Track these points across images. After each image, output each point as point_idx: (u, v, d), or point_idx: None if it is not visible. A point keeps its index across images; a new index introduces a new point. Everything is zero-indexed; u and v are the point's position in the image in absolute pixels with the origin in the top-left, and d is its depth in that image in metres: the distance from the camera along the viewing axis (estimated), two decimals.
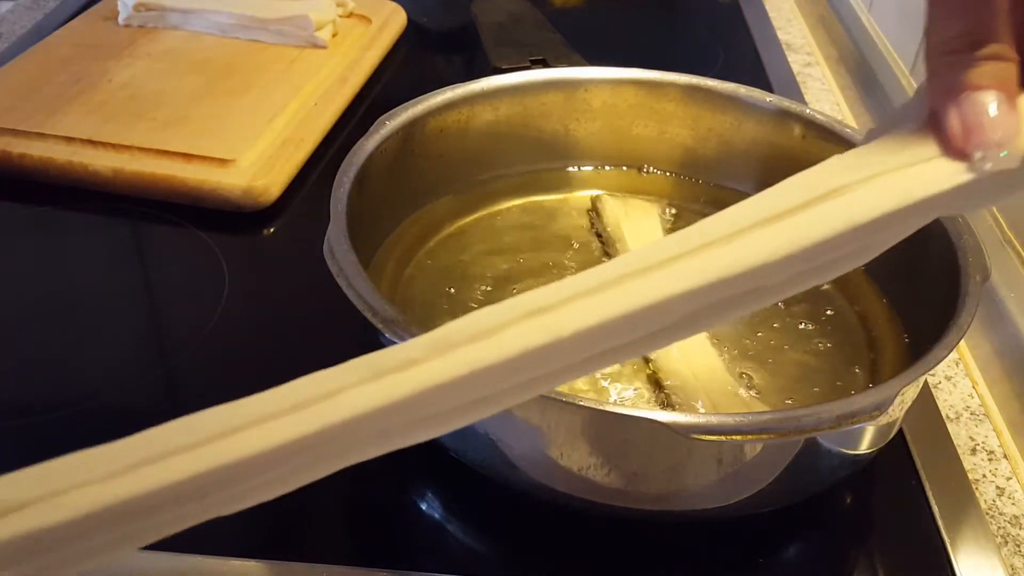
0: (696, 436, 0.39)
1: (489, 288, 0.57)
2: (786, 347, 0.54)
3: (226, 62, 0.86)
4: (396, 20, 0.98)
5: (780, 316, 0.57)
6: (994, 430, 0.59)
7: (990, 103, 0.31)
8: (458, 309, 0.55)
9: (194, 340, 0.58)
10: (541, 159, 0.67)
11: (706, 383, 0.51)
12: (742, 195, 0.69)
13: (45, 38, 0.87)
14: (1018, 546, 0.51)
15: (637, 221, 0.63)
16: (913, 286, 0.56)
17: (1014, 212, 0.67)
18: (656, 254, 0.30)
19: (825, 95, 0.97)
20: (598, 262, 0.33)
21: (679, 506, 0.44)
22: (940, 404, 0.60)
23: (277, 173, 0.71)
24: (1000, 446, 0.58)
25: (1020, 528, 0.52)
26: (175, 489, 0.26)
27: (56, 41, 0.87)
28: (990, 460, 0.57)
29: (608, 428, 0.41)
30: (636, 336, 0.30)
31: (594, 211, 0.65)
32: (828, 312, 0.57)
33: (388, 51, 0.94)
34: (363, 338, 0.49)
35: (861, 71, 1.00)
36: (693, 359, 0.52)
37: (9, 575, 0.25)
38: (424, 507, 0.50)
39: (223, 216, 0.69)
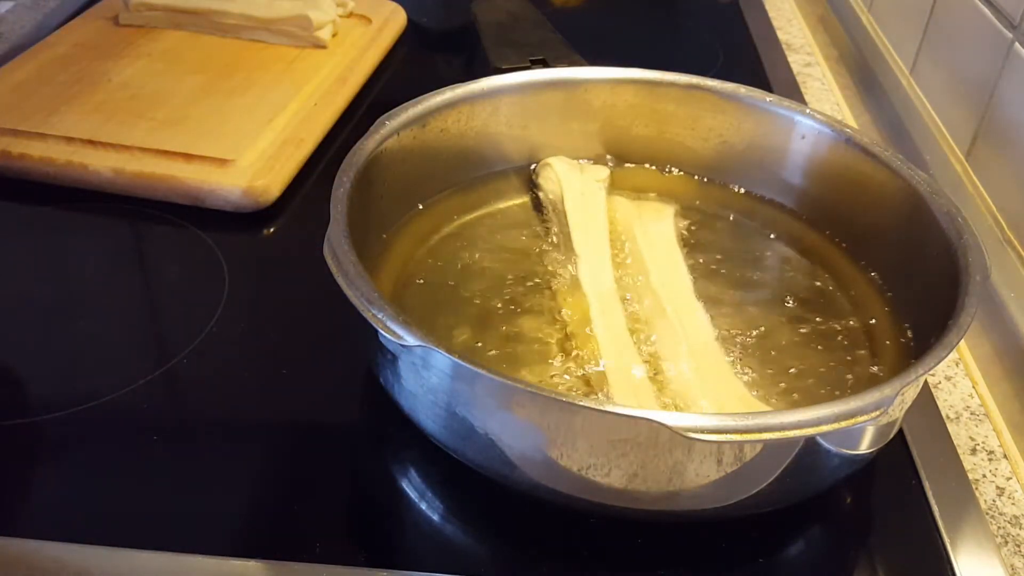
0: (696, 436, 0.39)
1: (490, 286, 0.57)
2: (787, 346, 0.54)
3: (226, 62, 0.86)
4: (396, 20, 0.98)
5: (782, 316, 0.57)
6: (994, 430, 0.59)
7: None
8: (459, 308, 0.55)
9: (194, 340, 0.58)
10: (540, 158, 0.67)
11: (710, 381, 0.51)
12: (741, 194, 0.70)
13: (45, 38, 0.87)
14: (1018, 546, 0.51)
15: (648, 224, 0.63)
16: (913, 286, 0.56)
17: (1014, 212, 0.67)
18: None
19: (825, 95, 0.97)
20: None
21: (679, 506, 0.44)
22: (940, 404, 0.60)
23: (277, 173, 0.71)
24: (1000, 446, 0.58)
25: (1020, 528, 0.52)
26: None
27: (56, 41, 0.87)
28: (990, 460, 0.57)
29: (608, 428, 0.41)
30: None
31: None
32: (829, 312, 0.57)
33: (388, 51, 0.94)
34: (363, 338, 0.49)
35: (861, 71, 1.00)
36: (699, 357, 0.52)
37: None
38: (424, 507, 0.50)
39: (223, 216, 0.69)
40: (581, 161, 0.68)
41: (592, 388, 0.50)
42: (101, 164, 0.70)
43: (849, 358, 0.54)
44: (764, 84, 0.94)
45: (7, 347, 0.58)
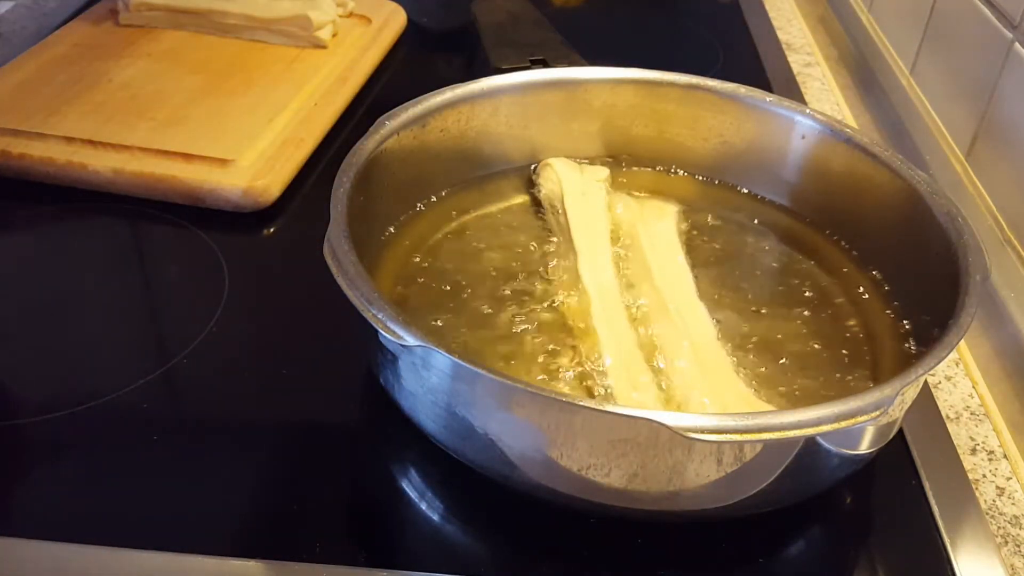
0: (696, 436, 0.39)
1: (490, 286, 0.57)
2: (788, 346, 0.54)
3: (226, 62, 0.86)
4: (396, 20, 0.98)
5: (782, 315, 0.57)
6: (994, 430, 0.59)
7: None
8: (459, 308, 0.55)
9: (194, 340, 0.58)
10: (541, 158, 0.67)
11: (711, 380, 0.51)
12: (742, 194, 0.70)
13: (45, 38, 0.87)
14: (1018, 546, 0.51)
15: (650, 223, 0.63)
16: (913, 286, 0.56)
17: (1014, 212, 0.67)
18: None
19: (825, 95, 0.97)
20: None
21: (679, 506, 0.44)
22: (940, 404, 0.60)
23: (277, 173, 0.71)
24: (1000, 446, 0.58)
25: (1020, 528, 0.52)
26: None
27: (56, 41, 0.87)
28: (990, 460, 0.57)
29: (608, 428, 0.41)
30: None
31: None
32: (829, 312, 0.57)
33: (388, 51, 0.94)
34: (363, 337, 0.49)
35: (861, 71, 1.00)
36: (701, 355, 0.52)
37: None
38: (424, 507, 0.50)
39: (223, 216, 0.69)
40: (581, 161, 0.68)
41: (593, 387, 0.50)
42: (101, 164, 0.70)
43: (849, 358, 0.54)
44: (764, 84, 0.94)
45: (7, 347, 0.58)
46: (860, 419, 0.41)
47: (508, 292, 0.57)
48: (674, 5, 1.19)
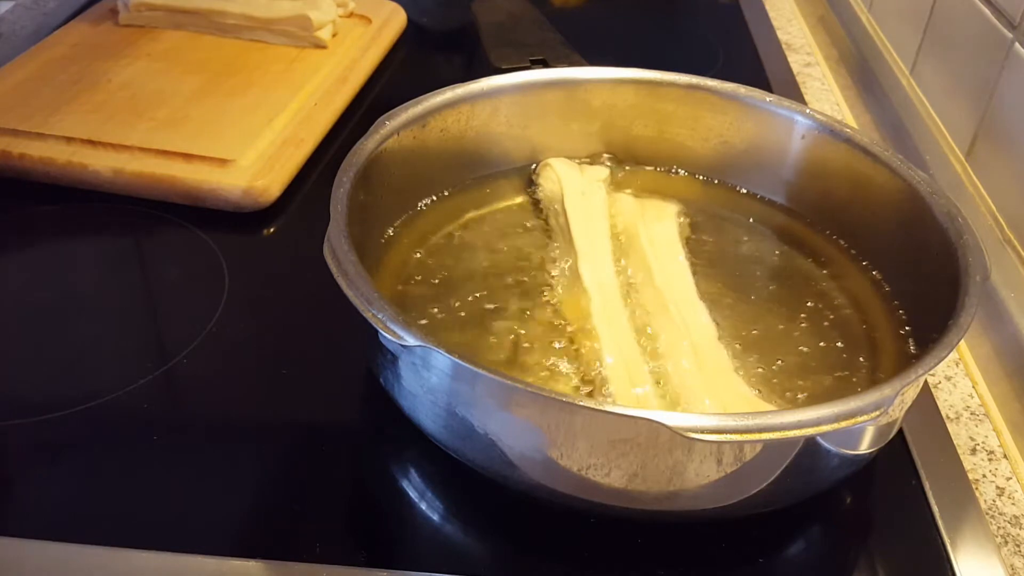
0: (696, 436, 0.39)
1: (490, 286, 0.57)
2: (787, 346, 0.54)
3: (226, 62, 0.86)
4: (396, 20, 0.98)
5: (782, 315, 0.57)
6: (994, 430, 0.59)
7: None
8: (459, 308, 0.55)
9: (194, 340, 0.58)
10: (541, 158, 0.67)
11: (712, 380, 0.51)
12: (742, 194, 0.70)
13: (45, 38, 0.87)
14: (1018, 546, 0.51)
15: (651, 222, 0.63)
16: (913, 286, 0.56)
17: (1014, 212, 0.67)
18: None
19: (825, 95, 0.97)
20: None
21: (679, 506, 0.44)
22: (940, 404, 0.60)
23: (277, 173, 0.71)
24: (1000, 446, 0.58)
25: (1020, 528, 0.52)
26: None
27: (56, 41, 0.87)
28: (990, 460, 0.57)
29: (608, 428, 0.41)
30: None
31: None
32: (829, 312, 0.57)
33: (388, 51, 0.94)
34: (363, 338, 0.49)
35: (861, 71, 1.00)
36: (701, 355, 0.52)
37: None
38: (424, 507, 0.50)
39: (223, 216, 0.69)
40: (581, 161, 0.68)
41: (593, 386, 0.50)
42: (101, 164, 0.70)
43: (849, 358, 0.54)
44: (764, 84, 0.94)
45: (8, 347, 0.58)
46: (860, 419, 0.41)
47: (509, 292, 0.57)
48: (674, 5, 1.19)
